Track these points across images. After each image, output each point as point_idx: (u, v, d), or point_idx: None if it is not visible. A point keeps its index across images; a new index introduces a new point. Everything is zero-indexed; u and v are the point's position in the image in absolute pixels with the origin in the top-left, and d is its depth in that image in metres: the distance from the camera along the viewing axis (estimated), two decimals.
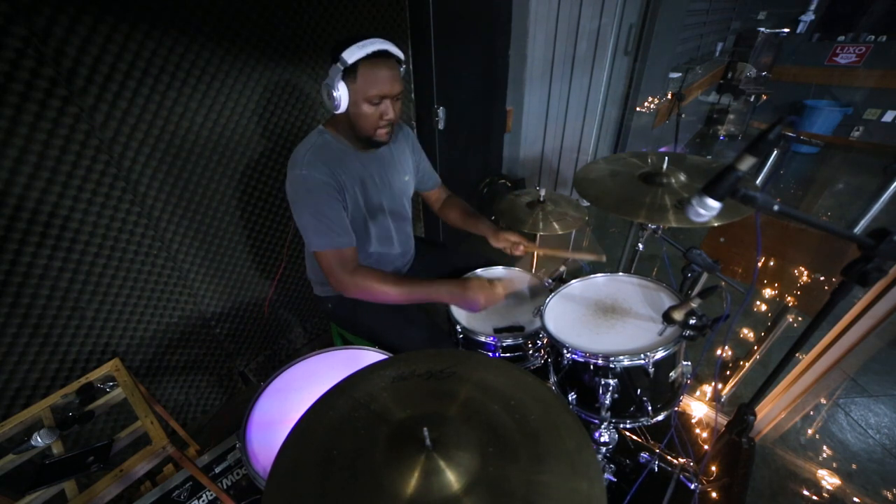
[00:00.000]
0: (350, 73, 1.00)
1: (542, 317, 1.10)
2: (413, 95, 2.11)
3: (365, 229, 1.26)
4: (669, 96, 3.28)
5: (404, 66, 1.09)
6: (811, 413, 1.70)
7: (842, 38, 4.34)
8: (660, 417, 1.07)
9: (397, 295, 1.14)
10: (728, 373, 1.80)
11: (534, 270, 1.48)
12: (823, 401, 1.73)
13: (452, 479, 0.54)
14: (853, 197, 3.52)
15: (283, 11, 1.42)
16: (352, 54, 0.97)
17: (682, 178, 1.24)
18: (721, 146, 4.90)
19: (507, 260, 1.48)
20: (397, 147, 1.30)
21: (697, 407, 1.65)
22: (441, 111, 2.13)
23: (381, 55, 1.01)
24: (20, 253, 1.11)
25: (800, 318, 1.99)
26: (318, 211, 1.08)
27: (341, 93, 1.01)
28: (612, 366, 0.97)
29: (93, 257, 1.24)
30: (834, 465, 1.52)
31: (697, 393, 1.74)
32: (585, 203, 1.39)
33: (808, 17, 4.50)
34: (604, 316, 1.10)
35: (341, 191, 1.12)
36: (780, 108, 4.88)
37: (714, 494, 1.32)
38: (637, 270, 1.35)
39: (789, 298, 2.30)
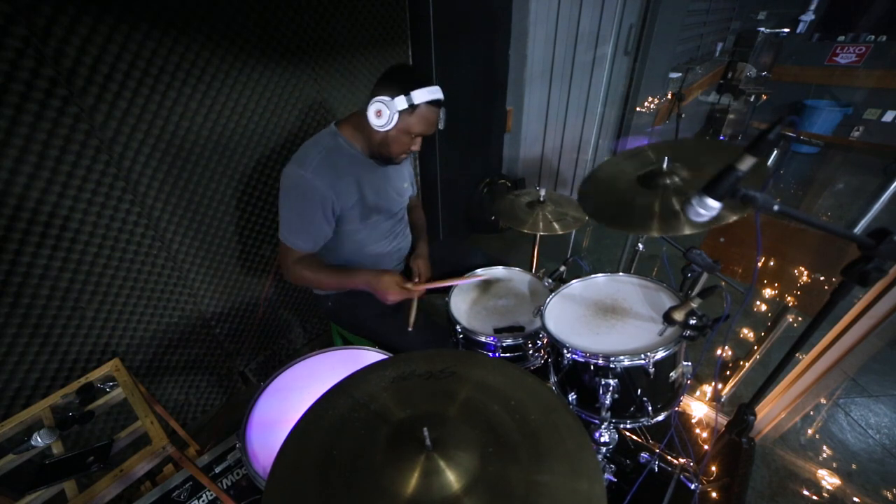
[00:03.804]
0: (411, 108, 1.10)
1: (542, 317, 1.10)
2: None
3: (365, 229, 1.28)
4: (669, 96, 3.27)
5: None
6: (811, 413, 1.69)
7: (842, 38, 4.33)
8: (660, 417, 1.07)
9: (328, 283, 1.27)
10: (728, 373, 1.80)
11: (534, 270, 1.48)
12: (823, 401, 1.73)
13: (452, 479, 0.54)
14: (853, 197, 3.52)
15: (283, 11, 1.42)
16: (421, 96, 1.09)
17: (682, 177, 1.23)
18: None
19: (507, 260, 1.49)
20: None
21: (697, 407, 1.65)
22: (441, 111, 2.13)
23: (439, 104, 1.15)
24: (20, 253, 1.11)
25: (800, 318, 1.98)
26: (303, 215, 1.16)
27: (393, 120, 1.09)
28: (612, 366, 0.97)
29: (93, 257, 1.24)
30: (834, 465, 1.51)
31: (697, 393, 1.74)
32: None
33: (808, 17, 4.49)
34: (604, 316, 1.10)
35: (335, 203, 1.17)
36: (780, 108, 4.87)
37: (714, 494, 1.32)
38: (637, 270, 1.35)
39: (789, 298, 2.30)
